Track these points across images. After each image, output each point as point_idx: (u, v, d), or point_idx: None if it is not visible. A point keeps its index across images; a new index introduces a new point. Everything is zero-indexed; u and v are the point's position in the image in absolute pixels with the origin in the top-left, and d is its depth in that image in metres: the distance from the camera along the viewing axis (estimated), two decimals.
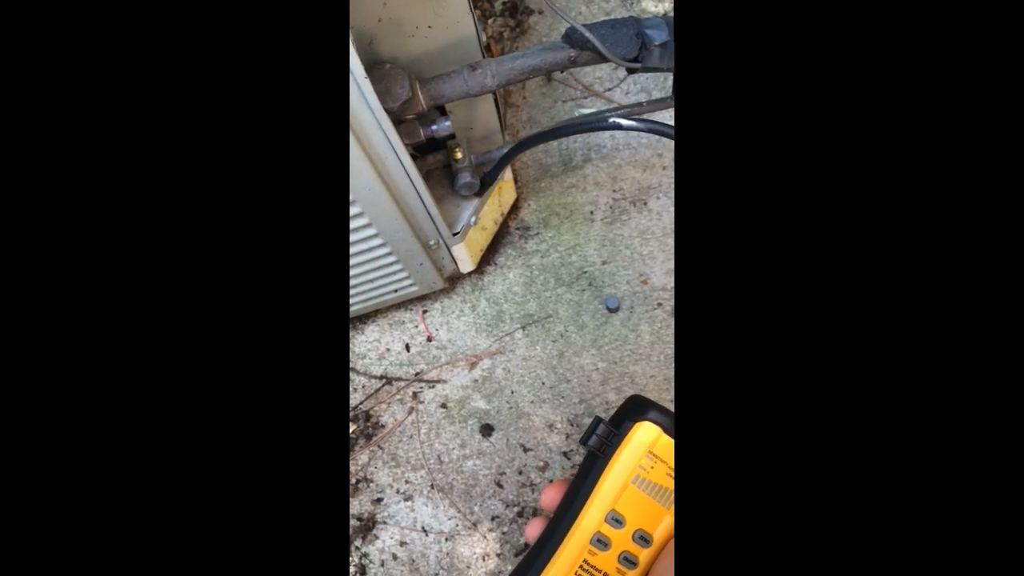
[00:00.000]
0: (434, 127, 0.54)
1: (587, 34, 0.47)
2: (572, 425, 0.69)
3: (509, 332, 0.75)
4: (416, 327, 0.77)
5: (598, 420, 0.30)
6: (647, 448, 0.29)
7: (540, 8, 0.96)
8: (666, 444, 0.29)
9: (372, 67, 0.47)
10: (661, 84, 0.87)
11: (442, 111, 0.55)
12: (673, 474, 0.29)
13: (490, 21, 0.98)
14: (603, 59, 0.50)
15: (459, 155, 0.60)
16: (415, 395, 0.74)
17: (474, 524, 0.67)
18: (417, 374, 0.74)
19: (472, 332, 0.76)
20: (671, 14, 0.92)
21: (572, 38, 0.49)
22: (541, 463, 0.68)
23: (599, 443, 0.29)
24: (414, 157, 0.57)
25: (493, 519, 0.67)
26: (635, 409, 0.30)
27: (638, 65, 0.50)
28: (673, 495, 0.29)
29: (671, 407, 0.30)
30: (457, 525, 0.67)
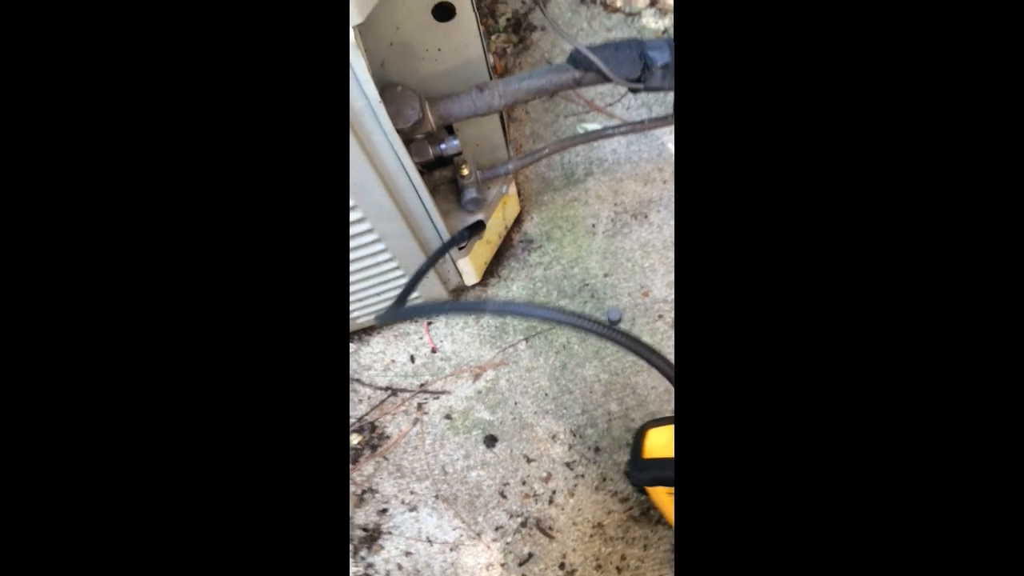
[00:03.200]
0: (443, 146, 0.55)
1: (591, 56, 0.49)
2: (575, 436, 0.70)
3: (512, 344, 0.76)
4: (421, 339, 0.78)
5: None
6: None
7: (543, 25, 0.97)
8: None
9: (384, 89, 0.48)
10: (662, 99, 0.89)
11: (450, 130, 0.56)
12: None
13: (493, 37, 1.00)
14: (607, 80, 0.51)
15: (466, 171, 0.61)
16: (420, 406, 0.75)
17: (478, 534, 0.67)
18: (422, 385, 0.75)
19: (476, 343, 0.77)
20: (671, 31, 0.94)
21: (576, 60, 0.51)
22: (544, 474, 0.69)
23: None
24: (421, 173, 0.58)
25: (497, 529, 0.67)
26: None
27: (641, 86, 0.52)
28: None
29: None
30: (461, 535, 0.68)
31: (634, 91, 0.52)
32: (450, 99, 0.52)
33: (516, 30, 0.99)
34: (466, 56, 0.53)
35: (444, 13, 0.49)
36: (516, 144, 0.89)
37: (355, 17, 0.37)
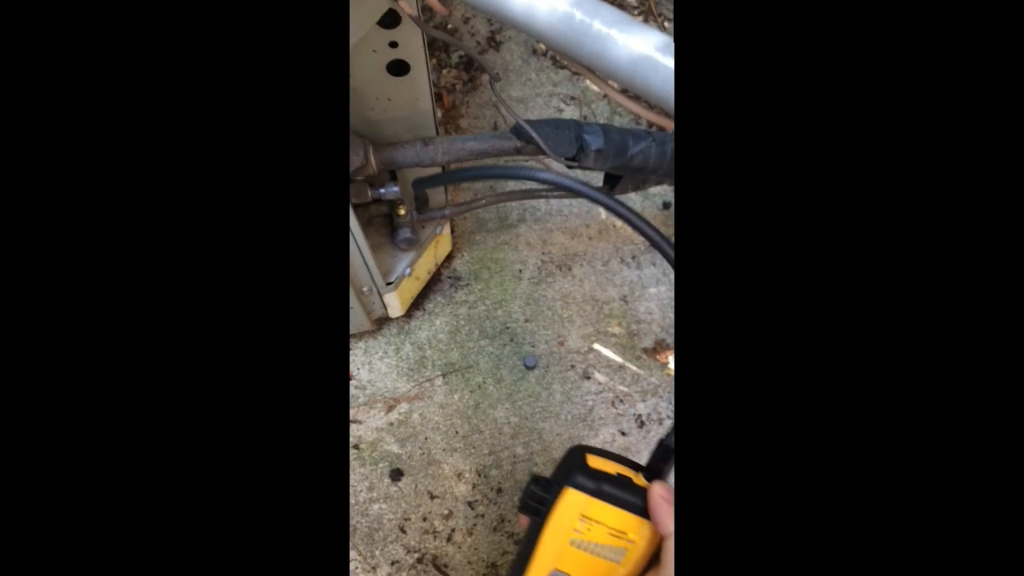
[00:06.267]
0: (382, 190, 0.56)
1: (532, 133, 0.53)
2: (479, 476, 0.73)
3: (429, 378, 0.77)
4: None
5: (532, 479, 0.32)
6: (578, 514, 0.31)
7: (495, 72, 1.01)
8: (598, 508, 0.31)
9: None
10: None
11: (392, 175, 0.58)
12: (615, 534, 0.31)
13: (444, 71, 1.03)
14: (544, 153, 0.55)
15: (402, 211, 0.63)
16: None
17: (373, 568, 0.68)
18: None
19: (393, 375, 0.77)
20: (611, 95, 1.00)
21: (519, 132, 0.54)
22: (446, 511, 0.71)
23: (532, 508, 0.32)
24: (355, 207, 0.59)
25: (393, 563, 0.68)
26: (565, 471, 0.32)
27: (575, 164, 0.56)
28: (623, 552, 0.31)
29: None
30: (356, 568, 0.67)
31: (569, 167, 0.56)
32: (395, 147, 0.54)
33: (467, 69, 1.02)
34: (415, 108, 0.55)
35: (398, 69, 0.51)
36: (454, 188, 0.91)
37: None
